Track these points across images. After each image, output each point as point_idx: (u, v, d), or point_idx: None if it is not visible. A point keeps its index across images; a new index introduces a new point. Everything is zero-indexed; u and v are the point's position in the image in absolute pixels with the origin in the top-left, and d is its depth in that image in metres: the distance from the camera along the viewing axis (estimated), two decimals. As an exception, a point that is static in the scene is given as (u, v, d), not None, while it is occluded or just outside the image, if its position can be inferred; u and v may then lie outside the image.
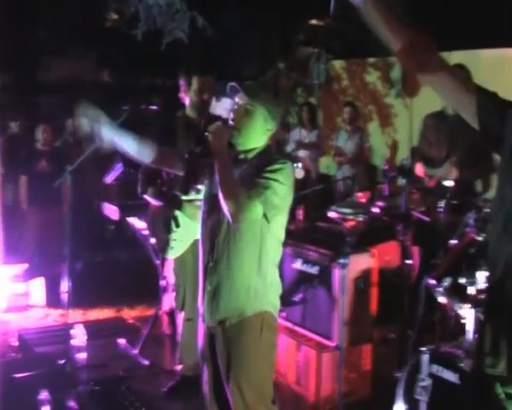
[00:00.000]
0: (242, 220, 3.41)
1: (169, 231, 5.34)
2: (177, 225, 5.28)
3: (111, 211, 6.26)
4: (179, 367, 5.71)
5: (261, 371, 3.63)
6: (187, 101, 5.65)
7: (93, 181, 8.86)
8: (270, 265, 3.60)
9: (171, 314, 6.95)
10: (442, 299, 4.72)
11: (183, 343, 5.60)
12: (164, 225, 5.38)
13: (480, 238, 4.54)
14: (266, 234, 3.51)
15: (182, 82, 5.66)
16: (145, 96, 11.31)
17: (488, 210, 4.75)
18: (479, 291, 4.35)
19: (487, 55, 8.86)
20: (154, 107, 6.35)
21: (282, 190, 3.45)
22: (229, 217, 3.37)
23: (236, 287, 3.53)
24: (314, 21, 12.55)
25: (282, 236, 3.64)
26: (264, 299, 3.58)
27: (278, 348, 5.60)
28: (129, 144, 3.81)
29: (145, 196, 5.27)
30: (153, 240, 5.96)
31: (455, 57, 9.35)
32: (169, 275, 5.86)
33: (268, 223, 3.48)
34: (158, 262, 6.41)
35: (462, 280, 4.40)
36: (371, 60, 11.42)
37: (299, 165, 7.42)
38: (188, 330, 5.40)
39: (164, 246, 5.47)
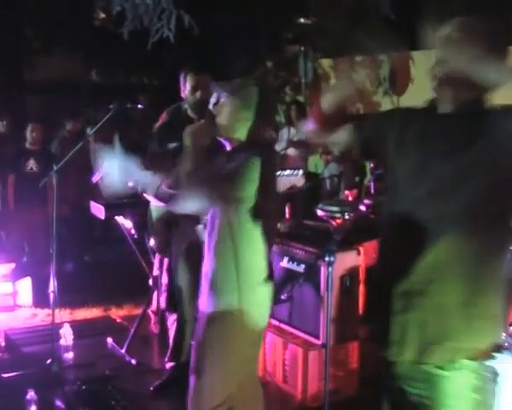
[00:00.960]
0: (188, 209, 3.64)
1: (169, 230, 5.35)
2: (177, 225, 5.29)
3: (97, 210, 6.24)
4: (168, 366, 5.70)
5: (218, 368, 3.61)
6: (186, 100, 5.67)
7: (80, 180, 8.82)
8: (249, 257, 3.60)
9: (160, 313, 6.96)
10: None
11: (179, 343, 5.56)
12: (164, 224, 5.38)
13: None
14: (237, 229, 3.54)
15: (180, 81, 5.65)
16: (132, 95, 11.30)
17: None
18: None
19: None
20: (140, 106, 6.35)
21: (242, 182, 3.49)
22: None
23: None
24: (302, 20, 12.57)
25: (255, 224, 3.59)
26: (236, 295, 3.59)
27: (265, 346, 5.64)
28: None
29: (145, 196, 5.25)
30: (152, 240, 5.95)
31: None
32: (163, 275, 5.84)
33: (238, 216, 3.54)
34: (152, 260, 6.40)
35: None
36: (359, 58, 11.42)
37: (300, 172, 7.44)
38: (186, 330, 5.40)
39: (163, 245, 5.47)
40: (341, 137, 3.02)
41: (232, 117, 3.62)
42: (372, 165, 5.84)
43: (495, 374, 2.62)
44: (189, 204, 3.59)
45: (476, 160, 2.50)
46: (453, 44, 2.46)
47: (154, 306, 6.87)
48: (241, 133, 3.65)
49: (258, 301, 3.65)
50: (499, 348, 2.64)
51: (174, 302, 5.51)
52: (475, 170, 2.50)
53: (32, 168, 8.85)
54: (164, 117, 5.72)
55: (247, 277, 3.57)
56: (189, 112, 5.50)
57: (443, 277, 2.57)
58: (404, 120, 2.79)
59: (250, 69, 11.20)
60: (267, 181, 3.56)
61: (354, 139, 2.98)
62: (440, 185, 2.57)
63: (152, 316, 6.93)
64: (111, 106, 5.76)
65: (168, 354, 5.71)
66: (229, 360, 3.58)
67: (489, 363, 2.59)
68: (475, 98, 2.58)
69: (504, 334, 4.11)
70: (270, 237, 3.66)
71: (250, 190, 3.50)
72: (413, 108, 2.85)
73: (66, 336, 6.46)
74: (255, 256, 3.60)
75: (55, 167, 5.70)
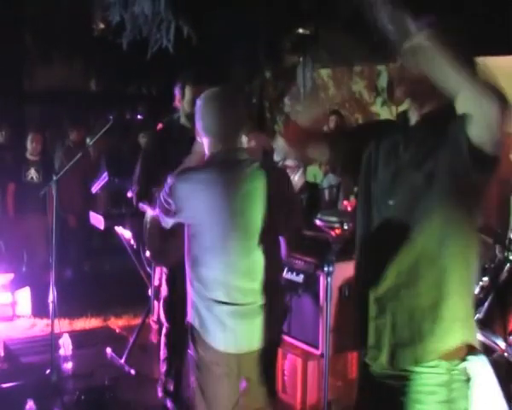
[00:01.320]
0: None
1: (165, 240, 5.34)
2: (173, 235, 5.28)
3: (96, 220, 6.26)
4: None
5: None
6: (180, 110, 5.65)
7: (84, 190, 8.84)
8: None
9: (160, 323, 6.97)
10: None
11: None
12: (159, 234, 5.37)
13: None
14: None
15: (176, 91, 5.64)
16: (131, 105, 11.30)
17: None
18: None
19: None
20: (139, 116, 6.37)
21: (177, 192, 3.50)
22: None
23: None
24: (301, 30, 12.59)
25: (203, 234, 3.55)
26: None
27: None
28: None
29: (141, 205, 5.26)
30: (147, 252, 5.94)
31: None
32: (162, 286, 5.83)
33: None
34: (149, 271, 6.39)
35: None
36: (357, 68, 11.46)
37: (301, 171, 7.42)
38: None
39: (158, 255, 5.46)
40: (319, 153, 3.22)
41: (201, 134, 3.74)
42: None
43: (466, 374, 2.70)
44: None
45: (438, 170, 2.60)
46: (420, 54, 2.53)
47: (155, 316, 6.88)
48: (209, 149, 3.69)
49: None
50: (473, 350, 2.72)
51: (173, 314, 5.46)
52: (439, 180, 2.60)
53: (32, 178, 8.89)
54: (161, 128, 5.74)
55: None
56: (184, 121, 5.50)
57: (413, 281, 2.67)
58: (378, 134, 2.89)
59: (249, 79, 11.25)
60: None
61: (333, 155, 3.12)
62: (410, 195, 2.67)
63: (153, 326, 6.92)
64: (110, 116, 5.79)
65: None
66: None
67: (461, 364, 2.68)
68: (440, 109, 2.67)
69: (481, 336, 4.15)
70: None
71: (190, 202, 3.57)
72: (386, 122, 2.93)
73: (66, 346, 6.47)
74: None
75: (54, 177, 5.73)
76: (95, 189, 6.18)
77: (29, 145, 9.01)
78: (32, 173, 8.88)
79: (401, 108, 9.04)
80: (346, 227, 5.60)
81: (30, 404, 5.04)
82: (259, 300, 3.54)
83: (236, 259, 3.48)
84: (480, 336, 4.38)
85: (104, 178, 5.85)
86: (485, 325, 4.38)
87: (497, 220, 8.39)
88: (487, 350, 4.46)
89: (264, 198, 3.51)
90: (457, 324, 2.69)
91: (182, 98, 5.52)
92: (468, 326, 2.75)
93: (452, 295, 2.65)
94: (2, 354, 6.70)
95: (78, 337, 6.89)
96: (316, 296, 5.40)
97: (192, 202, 3.46)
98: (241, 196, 3.48)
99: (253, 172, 3.55)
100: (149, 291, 6.56)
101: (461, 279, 2.69)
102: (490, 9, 9.64)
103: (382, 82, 10.90)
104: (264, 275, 3.54)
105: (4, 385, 5.70)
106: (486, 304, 4.41)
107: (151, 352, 6.80)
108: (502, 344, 4.26)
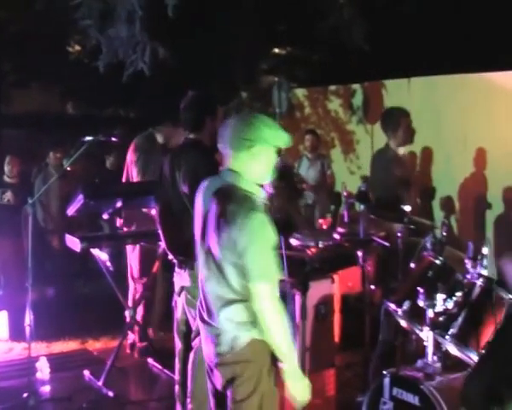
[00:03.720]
0: None
1: None
2: None
3: (73, 243, 6.23)
4: None
5: None
6: None
7: (62, 213, 8.84)
8: None
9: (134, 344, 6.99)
10: (402, 322, 4.79)
11: None
12: None
13: (437, 261, 4.62)
14: None
15: None
16: (108, 128, 11.32)
17: (445, 233, 4.84)
18: (437, 314, 4.44)
19: (445, 81, 9.00)
20: (114, 138, 6.38)
21: None
22: None
23: None
24: (276, 50, 12.69)
25: None
26: None
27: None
28: None
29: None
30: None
31: (414, 83, 9.56)
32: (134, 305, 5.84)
33: None
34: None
35: (421, 303, 4.48)
36: (333, 87, 11.53)
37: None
38: None
39: None
40: None
41: None
42: (345, 193, 5.92)
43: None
44: None
45: None
46: None
47: (131, 337, 6.91)
48: None
49: None
50: None
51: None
52: None
53: (9, 200, 8.86)
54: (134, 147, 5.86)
55: None
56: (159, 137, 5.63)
57: None
58: None
59: (225, 100, 11.31)
60: None
61: None
62: None
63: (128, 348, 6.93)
64: (85, 139, 5.82)
65: None
66: None
67: None
68: None
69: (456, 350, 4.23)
70: None
71: None
72: None
73: (43, 369, 6.45)
74: None
75: (29, 200, 5.73)
76: (70, 211, 6.15)
77: (6, 168, 9.00)
78: (9, 196, 8.85)
79: (376, 128, 9.15)
80: (321, 246, 5.64)
81: (7, 428, 5.02)
82: None
83: None
84: (454, 350, 4.44)
85: (80, 200, 5.84)
86: (459, 339, 4.42)
87: (472, 234, 8.49)
88: (462, 364, 4.51)
89: None
90: None
91: None
92: None
93: None
94: (-20, 379, 6.65)
95: (56, 361, 6.86)
96: (292, 315, 5.41)
97: None
98: None
99: None
100: (126, 313, 6.56)
101: None
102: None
103: (357, 100, 10.98)
104: None
105: (-19, 410, 5.67)
106: (460, 319, 4.45)
107: (129, 374, 6.81)
108: (475, 358, 4.29)
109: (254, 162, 3.53)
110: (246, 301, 3.43)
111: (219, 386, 3.58)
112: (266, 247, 3.37)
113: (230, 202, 3.44)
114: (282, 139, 3.58)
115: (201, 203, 3.62)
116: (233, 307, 3.47)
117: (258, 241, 3.36)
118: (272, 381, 3.58)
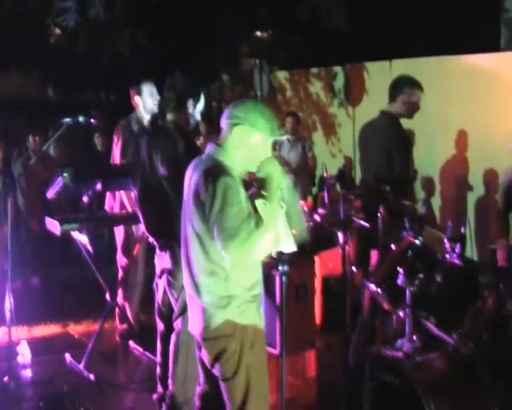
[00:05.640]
0: None
1: None
2: None
3: (53, 225, 6.18)
4: None
5: None
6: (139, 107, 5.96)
7: (36, 198, 8.79)
8: None
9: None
10: (382, 303, 4.80)
11: None
12: None
13: (417, 241, 4.63)
14: None
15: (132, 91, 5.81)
16: (89, 111, 11.26)
17: (424, 213, 4.86)
18: (417, 294, 4.45)
19: (426, 64, 9.00)
20: (93, 120, 6.36)
21: None
22: None
23: None
24: (258, 33, 12.64)
25: None
26: None
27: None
28: None
29: None
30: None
31: (395, 65, 9.55)
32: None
33: None
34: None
35: (401, 283, 4.49)
36: (314, 70, 11.52)
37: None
38: None
39: None
40: None
41: None
42: (325, 175, 5.89)
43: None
44: None
45: None
46: None
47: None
48: None
49: None
50: None
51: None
52: None
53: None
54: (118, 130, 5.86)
55: None
56: (142, 115, 5.68)
57: None
58: None
59: (207, 83, 11.26)
60: None
61: None
62: None
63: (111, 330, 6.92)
64: (64, 121, 5.79)
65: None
66: None
67: None
68: None
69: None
70: None
71: None
72: None
73: (24, 353, 6.43)
74: None
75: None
76: (50, 194, 6.10)
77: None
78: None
79: (358, 110, 9.14)
80: (302, 227, 5.61)
81: (-13, 412, 5.00)
82: None
83: None
84: (434, 330, 4.46)
85: (59, 182, 5.79)
86: (438, 318, 4.44)
87: (453, 216, 8.52)
88: (442, 344, 4.53)
89: None
90: None
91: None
92: None
93: None
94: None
95: (37, 344, 6.85)
96: (272, 296, 5.43)
97: None
98: None
99: None
100: (107, 296, 6.54)
101: None
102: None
103: (339, 83, 10.97)
104: None
105: (-38, 395, 5.64)
106: (439, 298, 4.47)
107: (111, 357, 6.80)
108: (454, 337, 4.32)
109: (239, 142, 3.62)
110: (226, 274, 3.54)
111: (207, 362, 3.70)
112: (232, 209, 3.40)
113: (208, 172, 3.51)
114: (271, 130, 3.65)
115: (188, 182, 3.68)
116: (213, 279, 3.57)
117: (223, 203, 3.40)
118: (258, 354, 3.63)
